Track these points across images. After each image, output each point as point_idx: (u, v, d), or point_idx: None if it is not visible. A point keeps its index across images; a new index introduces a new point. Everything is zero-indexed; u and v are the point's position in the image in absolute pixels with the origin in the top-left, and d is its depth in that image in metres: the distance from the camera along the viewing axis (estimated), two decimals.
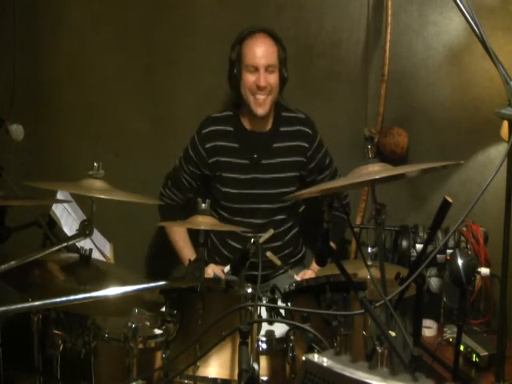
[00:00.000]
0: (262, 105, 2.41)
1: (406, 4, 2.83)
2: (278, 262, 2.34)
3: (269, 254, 2.30)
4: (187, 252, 2.55)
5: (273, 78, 2.39)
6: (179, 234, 2.60)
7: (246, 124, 2.51)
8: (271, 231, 2.33)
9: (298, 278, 2.42)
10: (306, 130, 2.54)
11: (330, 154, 2.63)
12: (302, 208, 2.70)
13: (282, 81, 2.45)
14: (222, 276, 2.41)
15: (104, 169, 1.62)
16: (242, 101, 2.47)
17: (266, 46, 2.39)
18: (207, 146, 2.49)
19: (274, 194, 2.50)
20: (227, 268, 2.45)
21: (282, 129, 2.52)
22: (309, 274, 2.46)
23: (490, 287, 2.63)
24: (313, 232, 2.66)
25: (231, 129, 2.50)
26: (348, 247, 3.02)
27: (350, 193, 2.74)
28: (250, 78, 2.39)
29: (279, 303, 1.94)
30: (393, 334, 1.45)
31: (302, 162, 2.53)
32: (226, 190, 2.50)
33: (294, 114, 2.56)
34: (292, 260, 2.65)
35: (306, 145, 2.52)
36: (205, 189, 2.60)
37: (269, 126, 2.51)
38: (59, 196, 2.23)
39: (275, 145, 2.50)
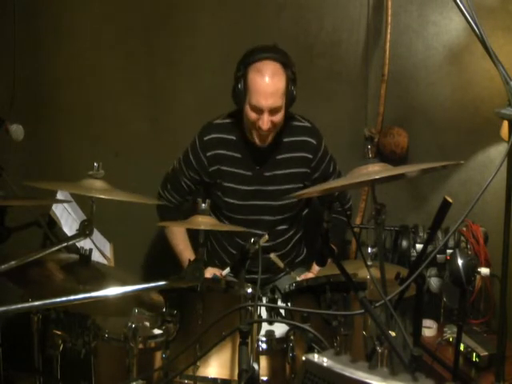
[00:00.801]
0: (263, 140, 2.33)
1: (405, 4, 2.84)
2: (281, 265, 2.33)
3: (272, 255, 2.29)
4: (187, 255, 2.51)
5: (277, 118, 2.27)
6: (179, 237, 2.57)
7: (249, 135, 2.40)
8: (266, 237, 2.31)
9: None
10: (311, 140, 2.44)
11: (335, 160, 2.55)
12: (306, 211, 2.68)
13: (290, 101, 2.31)
14: None
15: (104, 169, 1.62)
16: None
17: (274, 83, 2.22)
18: (208, 154, 2.42)
19: (276, 205, 2.46)
20: (226, 271, 2.44)
21: (286, 139, 2.42)
22: (310, 276, 2.45)
23: (490, 287, 2.63)
24: (313, 233, 2.66)
25: (234, 138, 2.42)
26: (348, 247, 3.02)
27: (350, 194, 2.75)
28: (252, 116, 2.26)
29: (279, 303, 1.94)
30: (393, 333, 1.45)
31: (305, 173, 2.46)
32: (229, 200, 2.46)
33: (298, 123, 2.46)
34: (294, 262, 2.64)
35: (310, 156, 2.44)
36: (204, 193, 2.58)
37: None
38: (59, 196, 2.23)
39: (278, 156, 2.42)
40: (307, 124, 2.48)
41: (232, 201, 2.46)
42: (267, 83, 2.21)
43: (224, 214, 2.50)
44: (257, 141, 2.34)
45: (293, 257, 2.62)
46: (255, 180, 2.44)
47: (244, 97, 2.28)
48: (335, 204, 2.52)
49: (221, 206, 2.49)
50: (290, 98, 2.30)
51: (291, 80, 2.29)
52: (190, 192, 2.54)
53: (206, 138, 2.43)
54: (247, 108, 2.28)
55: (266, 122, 2.24)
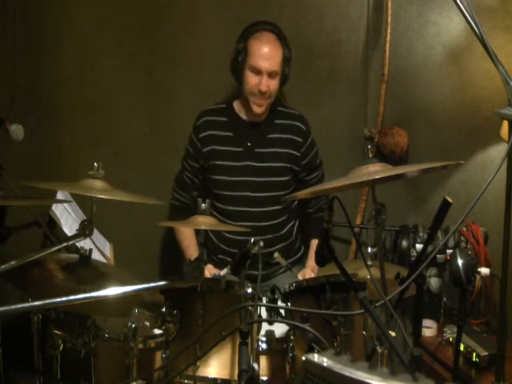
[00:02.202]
0: (260, 106, 2.48)
1: (406, 4, 2.84)
2: (285, 263, 2.35)
3: (276, 255, 2.31)
4: (191, 251, 2.59)
5: (274, 84, 2.44)
6: (184, 234, 2.64)
7: (242, 114, 2.56)
8: (261, 243, 2.35)
9: (299, 276, 2.43)
10: (301, 125, 2.58)
11: (321, 157, 2.67)
12: (296, 202, 2.70)
13: (283, 79, 2.49)
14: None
15: (104, 169, 1.62)
16: (242, 92, 2.51)
17: (272, 50, 2.41)
18: (201, 135, 2.55)
19: (267, 182, 2.54)
20: (224, 271, 2.44)
21: (277, 121, 2.57)
22: (308, 272, 2.47)
23: (490, 287, 2.63)
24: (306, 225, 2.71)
25: (225, 119, 2.56)
26: (348, 247, 3.02)
27: (348, 193, 2.74)
28: (252, 80, 2.43)
29: (279, 303, 1.95)
30: (393, 334, 1.45)
31: (295, 156, 2.56)
32: (219, 177, 2.55)
33: (289, 110, 2.61)
34: (291, 259, 2.64)
35: (300, 139, 2.56)
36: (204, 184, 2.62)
37: (263, 117, 2.55)
38: (59, 196, 2.23)
39: (269, 135, 2.55)
40: (297, 112, 2.63)
41: (222, 177, 2.54)
42: (265, 48, 2.41)
43: (215, 193, 2.56)
44: (254, 109, 2.47)
45: (287, 244, 2.63)
46: (246, 156, 2.54)
47: (244, 64, 2.43)
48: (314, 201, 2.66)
49: (212, 186, 2.57)
50: (283, 73, 2.47)
51: (286, 59, 2.46)
52: (193, 186, 2.63)
53: (198, 123, 2.58)
54: (247, 73, 2.44)
55: (264, 84, 2.40)
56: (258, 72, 2.41)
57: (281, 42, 2.44)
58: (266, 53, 2.40)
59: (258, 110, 2.48)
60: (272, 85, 2.43)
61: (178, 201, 2.66)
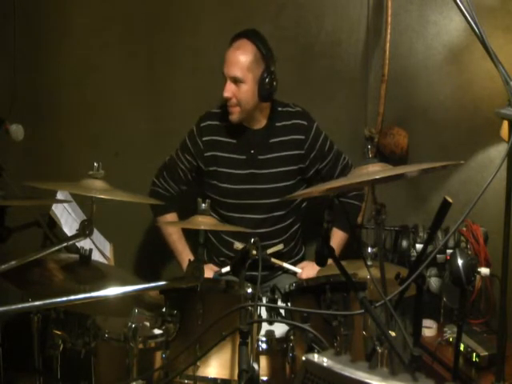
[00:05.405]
0: (231, 113, 2.45)
1: (406, 4, 2.84)
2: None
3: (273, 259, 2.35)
4: (181, 247, 2.59)
5: (240, 91, 2.38)
6: (175, 237, 2.61)
7: (244, 120, 2.52)
8: (280, 246, 2.45)
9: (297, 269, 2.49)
10: (301, 121, 2.53)
11: (331, 140, 2.59)
12: (305, 204, 2.67)
13: (262, 86, 2.39)
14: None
15: (104, 169, 1.62)
16: None
17: (235, 56, 2.37)
18: (205, 138, 2.52)
19: (271, 188, 2.51)
20: (226, 269, 2.46)
21: (278, 124, 2.52)
22: (309, 267, 2.49)
23: (490, 287, 2.63)
24: (313, 231, 2.66)
25: (229, 125, 2.52)
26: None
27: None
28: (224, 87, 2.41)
29: (279, 303, 1.95)
30: (393, 333, 1.45)
31: (300, 155, 2.52)
32: (225, 185, 2.52)
33: (289, 109, 2.56)
34: (291, 260, 2.64)
35: (302, 137, 2.51)
36: (199, 185, 2.61)
37: (264, 122, 2.52)
38: (59, 196, 2.23)
39: (271, 140, 2.51)
40: (298, 109, 2.58)
41: (228, 186, 2.52)
42: (230, 53, 2.39)
43: (220, 201, 2.54)
44: (229, 115, 2.45)
45: (288, 249, 2.62)
46: (249, 164, 2.51)
47: None
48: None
49: (216, 193, 2.54)
50: (260, 82, 2.39)
51: (259, 65, 2.38)
52: (185, 180, 2.60)
53: (202, 125, 2.54)
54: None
55: (226, 88, 2.38)
56: (225, 78, 2.39)
57: (256, 49, 2.38)
58: (228, 58, 2.38)
59: (230, 117, 2.45)
60: (238, 92, 2.38)
61: (166, 190, 2.59)
